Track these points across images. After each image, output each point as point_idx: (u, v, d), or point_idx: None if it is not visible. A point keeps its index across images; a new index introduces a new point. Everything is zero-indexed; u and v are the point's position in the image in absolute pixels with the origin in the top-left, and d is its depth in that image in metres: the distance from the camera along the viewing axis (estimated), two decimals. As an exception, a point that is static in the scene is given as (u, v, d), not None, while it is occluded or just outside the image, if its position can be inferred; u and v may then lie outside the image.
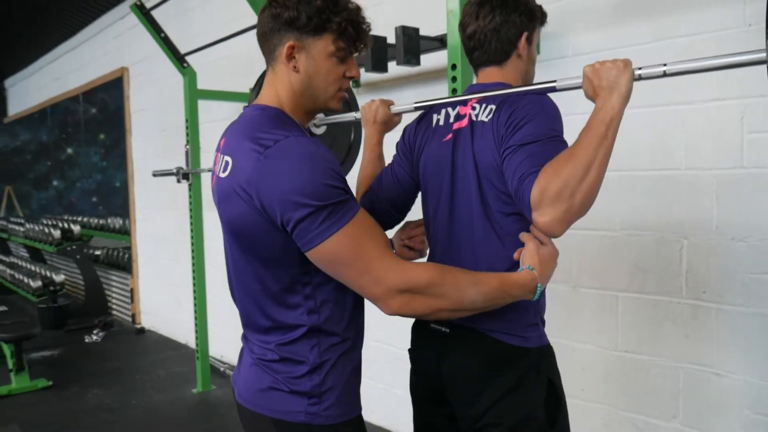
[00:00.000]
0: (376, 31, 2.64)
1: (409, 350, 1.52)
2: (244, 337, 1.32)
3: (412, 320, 1.48)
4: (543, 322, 1.42)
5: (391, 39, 2.53)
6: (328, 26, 1.17)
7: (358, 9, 1.22)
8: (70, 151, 8.22)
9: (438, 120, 1.49)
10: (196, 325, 4.04)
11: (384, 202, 1.54)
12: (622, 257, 2.28)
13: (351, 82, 1.36)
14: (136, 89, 5.99)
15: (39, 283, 6.07)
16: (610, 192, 2.27)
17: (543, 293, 1.43)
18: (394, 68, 2.82)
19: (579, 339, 2.42)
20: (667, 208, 2.15)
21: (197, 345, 4.03)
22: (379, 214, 1.51)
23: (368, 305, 1.22)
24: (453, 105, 1.48)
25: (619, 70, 1.19)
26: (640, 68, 1.21)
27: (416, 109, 1.59)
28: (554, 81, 1.33)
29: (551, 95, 1.36)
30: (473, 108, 1.40)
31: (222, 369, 4.33)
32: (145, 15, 3.76)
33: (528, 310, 1.35)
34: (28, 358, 4.61)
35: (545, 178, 1.14)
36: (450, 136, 1.43)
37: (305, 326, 1.17)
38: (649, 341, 2.22)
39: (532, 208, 1.15)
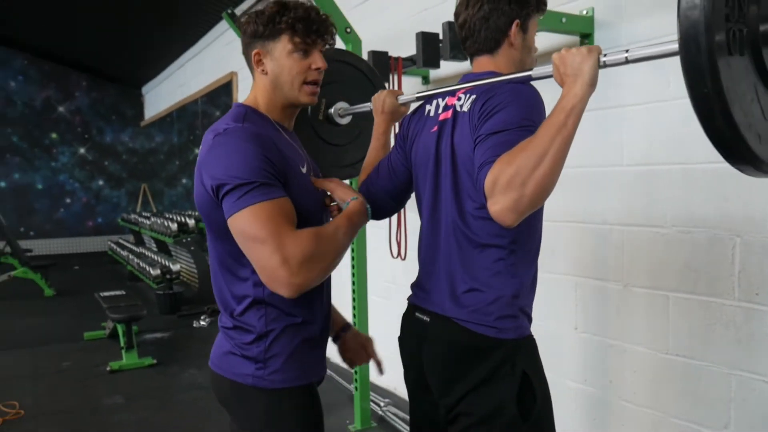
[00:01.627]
0: (430, 29, 2.70)
1: (398, 338, 1.56)
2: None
3: None
4: (526, 314, 1.40)
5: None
6: (280, 28, 1.33)
7: (308, 8, 1.34)
8: (197, 151, 8.90)
9: (429, 111, 1.52)
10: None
11: (380, 191, 1.59)
12: (674, 255, 2.15)
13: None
14: (244, 91, 6.39)
15: (158, 271, 6.64)
16: (662, 186, 2.16)
17: (533, 285, 1.42)
18: (458, 64, 2.84)
19: (630, 340, 2.32)
20: (720, 204, 2.01)
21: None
22: (375, 203, 1.57)
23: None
24: (444, 96, 1.50)
25: (582, 57, 1.17)
26: (605, 55, 1.18)
27: (418, 99, 1.62)
28: (530, 70, 1.32)
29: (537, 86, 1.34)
30: (459, 99, 1.42)
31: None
32: (236, 22, 4.02)
33: (504, 302, 1.34)
34: (142, 338, 5.11)
35: (499, 166, 1.14)
36: (436, 127, 1.45)
37: (251, 297, 1.30)
38: (700, 345, 2.09)
39: (486, 197, 1.16)
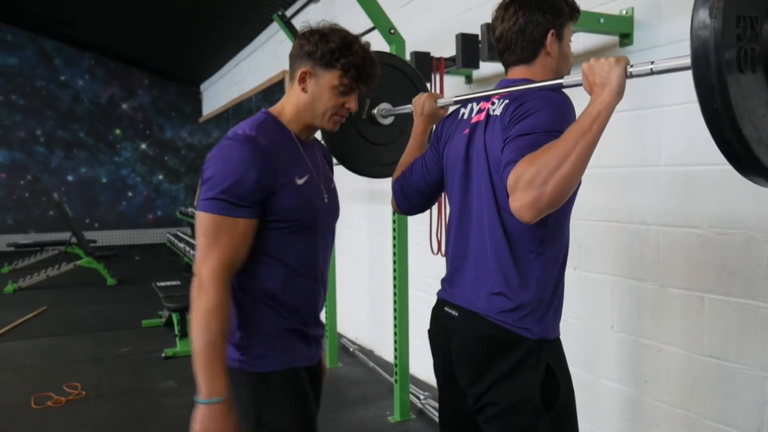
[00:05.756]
0: (473, 28, 2.75)
1: (428, 331, 1.63)
2: None
3: None
4: (553, 318, 1.44)
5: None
6: (337, 64, 1.43)
7: (365, 56, 1.45)
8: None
9: (463, 114, 1.58)
10: (326, 306, 4.41)
11: (412, 189, 1.67)
12: (710, 257, 2.14)
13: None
14: (296, 90, 6.55)
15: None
16: (699, 187, 2.16)
17: (560, 288, 1.46)
18: (499, 65, 2.88)
19: (665, 340, 2.32)
20: (757, 206, 2.00)
21: (327, 324, 4.38)
22: (408, 199, 1.65)
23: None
24: (479, 100, 1.56)
25: (611, 66, 1.22)
26: (631, 66, 1.22)
27: (456, 102, 1.69)
28: (563, 78, 1.37)
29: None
30: (493, 103, 1.47)
31: (352, 349, 4.67)
32: (286, 23, 4.16)
33: (531, 308, 1.39)
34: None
35: (522, 165, 1.20)
36: (468, 130, 1.51)
37: (234, 287, 1.43)
38: (734, 347, 2.08)
39: (509, 194, 1.22)
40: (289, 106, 1.50)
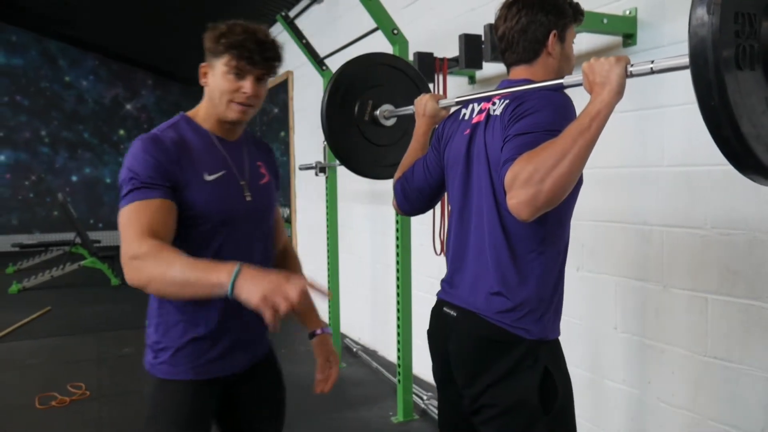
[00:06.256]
0: (477, 28, 2.75)
1: (427, 332, 1.63)
2: None
3: None
4: (553, 318, 1.44)
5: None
6: (221, 48, 1.42)
7: (250, 36, 1.42)
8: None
9: (464, 114, 1.58)
10: (329, 306, 4.41)
11: (414, 190, 1.67)
12: (713, 257, 2.14)
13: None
14: (299, 90, 6.56)
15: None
16: (702, 187, 2.16)
17: (560, 290, 1.46)
18: (502, 65, 2.88)
19: (669, 341, 2.31)
20: (761, 207, 1.99)
21: (330, 324, 4.38)
22: (409, 200, 1.65)
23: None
24: (480, 101, 1.56)
25: (611, 66, 1.22)
26: (631, 65, 1.22)
27: (457, 103, 1.69)
28: (564, 78, 1.37)
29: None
30: (493, 104, 1.48)
31: (355, 349, 4.67)
32: (289, 24, 4.16)
33: (530, 308, 1.39)
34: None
35: (520, 163, 1.20)
36: (468, 130, 1.51)
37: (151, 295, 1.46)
38: (738, 348, 2.07)
39: (506, 191, 1.22)
40: (202, 105, 1.53)
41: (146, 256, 1.25)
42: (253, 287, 1.13)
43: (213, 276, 1.18)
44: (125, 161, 1.39)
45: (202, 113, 1.52)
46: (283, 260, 1.75)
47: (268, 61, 1.46)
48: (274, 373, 1.68)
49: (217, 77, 1.45)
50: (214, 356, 1.48)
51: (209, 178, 1.45)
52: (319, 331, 1.72)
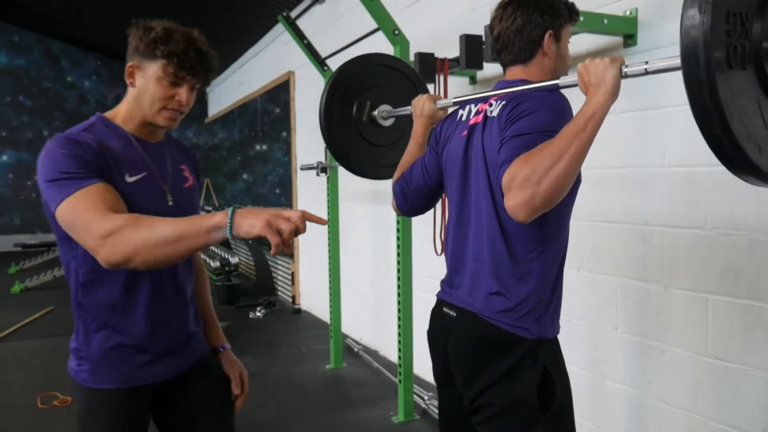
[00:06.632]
0: (478, 29, 2.75)
1: (427, 332, 1.63)
2: None
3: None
4: (552, 318, 1.44)
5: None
6: (158, 54, 1.37)
7: (190, 45, 1.39)
8: (257, 147, 9.16)
9: (462, 115, 1.58)
10: (330, 306, 4.41)
11: (413, 190, 1.67)
12: (714, 258, 2.14)
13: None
14: (301, 90, 6.56)
15: (218, 263, 6.91)
16: (703, 188, 2.16)
17: (559, 289, 1.46)
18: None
19: (669, 341, 2.31)
20: (761, 207, 1.99)
21: (331, 325, 4.39)
22: (408, 200, 1.65)
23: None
24: (477, 102, 1.56)
25: (606, 67, 1.22)
26: (626, 66, 1.22)
27: (455, 104, 1.69)
28: (559, 78, 1.37)
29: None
30: (490, 105, 1.48)
31: (356, 349, 4.67)
32: (291, 24, 4.16)
33: (529, 308, 1.39)
34: (200, 327, 5.34)
35: (517, 164, 1.20)
36: (466, 131, 1.51)
37: (72, 299, 1.44)
38: (738, 348, 2.07)
39: (503, 193, 1.22)
40: (123, 105, 1.46)
41: (123, 228, 1.18)
42: (254, 218, 1.11)
43: (207, 221, 1.15)
44: (41, 166, 1.29)
45: (123, 114, 1.46)
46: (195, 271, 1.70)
47: (208, 72, 1.44)
48: (212, 378, 1.62)
49: (150, 81, 1.40)
50: (141, 363, 1.45)
51: (130, 179, 1.40)
52: (221, 348, 1.68)
